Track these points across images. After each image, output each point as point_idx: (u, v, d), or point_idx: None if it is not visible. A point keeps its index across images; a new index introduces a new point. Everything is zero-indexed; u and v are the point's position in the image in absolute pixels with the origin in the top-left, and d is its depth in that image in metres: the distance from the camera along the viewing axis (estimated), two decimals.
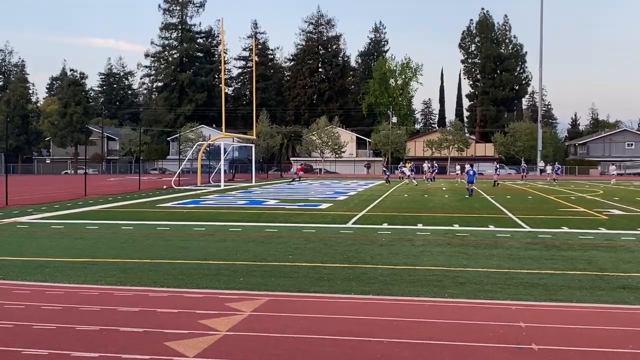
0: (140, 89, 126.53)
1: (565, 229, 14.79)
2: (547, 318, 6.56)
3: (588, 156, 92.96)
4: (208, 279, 8.51)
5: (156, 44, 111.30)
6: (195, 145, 60.84)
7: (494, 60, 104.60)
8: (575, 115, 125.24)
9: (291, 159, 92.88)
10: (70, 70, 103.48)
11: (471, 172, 28.65)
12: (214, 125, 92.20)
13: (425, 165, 57.93)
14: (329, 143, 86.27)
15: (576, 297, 7.50)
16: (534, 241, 12.62)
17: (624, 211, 20.21)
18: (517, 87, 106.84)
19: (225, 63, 59.98)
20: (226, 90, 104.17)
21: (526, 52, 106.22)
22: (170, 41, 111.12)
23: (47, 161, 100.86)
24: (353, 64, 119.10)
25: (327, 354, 5.29)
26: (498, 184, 41.95)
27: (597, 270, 9.29)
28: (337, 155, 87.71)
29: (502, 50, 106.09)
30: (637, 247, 11.75)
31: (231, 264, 9.70)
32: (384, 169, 50.33)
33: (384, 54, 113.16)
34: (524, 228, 15.11)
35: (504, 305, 7.06)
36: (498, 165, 49.55)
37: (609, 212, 19.89)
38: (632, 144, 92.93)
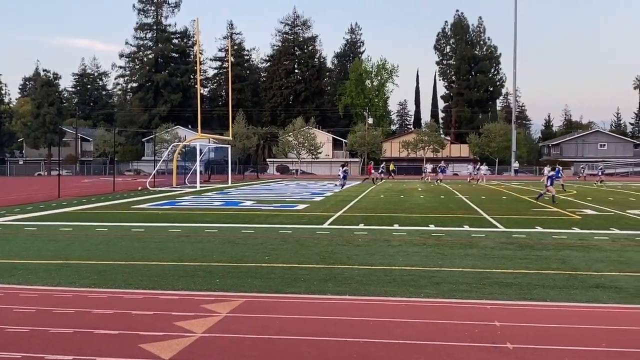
0: (115, 90, 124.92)
1: (539, 229, 14.95)
2: (522, 317, 6.63)
3: (561, 157, 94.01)
4: (184, 281, 8.46)
5: (131, 44, 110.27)
6: (170, 146, 60.47)
7: (469, 61, 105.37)
8: (549, 116, 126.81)
9: (267, 160, 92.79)
10: (44, 70, 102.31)
11: (553, 174, 25.82)
12: (190, 126, 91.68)
13: (429, 167, 57.92)
14: (305, 144, 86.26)
15: (550, 296, 7.59)
16: (508, 241, 12.75)
17: (596, 211, 20.48)
18: (491, 89, 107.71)
19: (200, 64, 59.81)
20: (202, 91, 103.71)
21: (500, 54, 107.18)
22: (145, 41, 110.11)
23: (19, 162, 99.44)
24: (329, 65, 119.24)
25: (303, 355, 5.29)
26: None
27: (570, 269, 9.41)
28: (313, 156, 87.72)
29: (476, 52, 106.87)
30: (609, 247, 11.92)
31: (207, 265, 9.66)
32: (346, 169, 41.63)
33: (360, 55, 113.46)
34: (499, 228, 15.25)
35: (479, 305, 7.12)
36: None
37: (582, 212, 20.15)
38: (604, 145, 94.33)
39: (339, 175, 41.86)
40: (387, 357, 5.24)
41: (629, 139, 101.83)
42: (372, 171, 48.41)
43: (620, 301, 7.37)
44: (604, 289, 8.01)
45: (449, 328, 6.14)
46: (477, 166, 52.99)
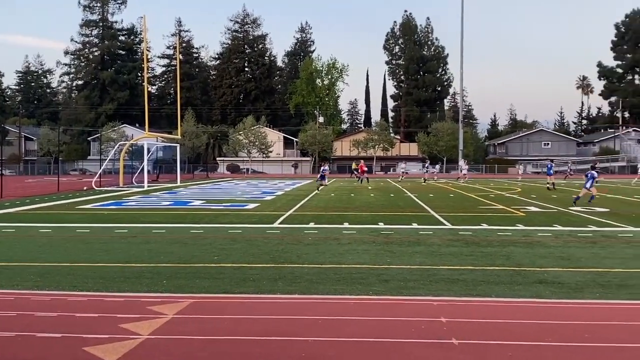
0: (60, 88, 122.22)
1: (485, 226, 15.23)
2: (467, 313, 6.74)
3: (507, 155, 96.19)
4: (130, 282, 8.32)
5: (76, 41, 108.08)
6: (117, 145, 59.43)
7: (417, 62, 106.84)
8: (495, 115, 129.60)
9: (217, 159, 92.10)
10: None
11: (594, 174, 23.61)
12: (137, 125, 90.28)
13: (403, 165, 57.42)
14: (256, 143, 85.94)
15: (495, 292, 7.73)
16: (454, 238, 12.94)
17: (540, 208, 20.98)
18: (439, 89, 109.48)
19: (148, 61, 59.02)
20: (149, 89, 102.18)
21: (448, 54, 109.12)
22: (91, 38, 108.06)
23: None
24: (280, 63, 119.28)
25: (252, 355, 5.26)
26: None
27: (514, 265, 9.61)
28: (264, 155, 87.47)
29: (424, 52, 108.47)
30: (552, 243, 12.22)
31: (154, 267, 9.51)
32: (325, 168, 38.61)
33: (311, 54, 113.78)
34: (446, 225, 15.48)
35: (426, 301, 7.21)
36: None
37: (527, 209, 20.61)
38: (548, 144, 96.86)
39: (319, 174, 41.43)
40: (335, 356, 5.25)
41: (572, 137, 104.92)
42: (364, 169, 47.10)
43: (562, 296, 7.56)
44: (547, 285, 8.20)
45: (397, 325, 6.19)
46: (464, 164, 53.16)
